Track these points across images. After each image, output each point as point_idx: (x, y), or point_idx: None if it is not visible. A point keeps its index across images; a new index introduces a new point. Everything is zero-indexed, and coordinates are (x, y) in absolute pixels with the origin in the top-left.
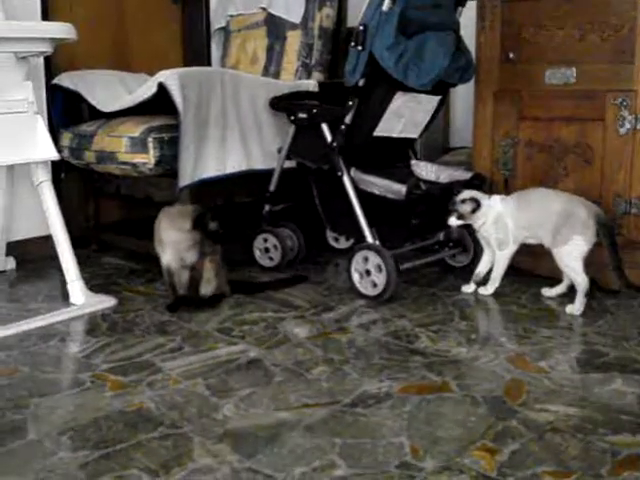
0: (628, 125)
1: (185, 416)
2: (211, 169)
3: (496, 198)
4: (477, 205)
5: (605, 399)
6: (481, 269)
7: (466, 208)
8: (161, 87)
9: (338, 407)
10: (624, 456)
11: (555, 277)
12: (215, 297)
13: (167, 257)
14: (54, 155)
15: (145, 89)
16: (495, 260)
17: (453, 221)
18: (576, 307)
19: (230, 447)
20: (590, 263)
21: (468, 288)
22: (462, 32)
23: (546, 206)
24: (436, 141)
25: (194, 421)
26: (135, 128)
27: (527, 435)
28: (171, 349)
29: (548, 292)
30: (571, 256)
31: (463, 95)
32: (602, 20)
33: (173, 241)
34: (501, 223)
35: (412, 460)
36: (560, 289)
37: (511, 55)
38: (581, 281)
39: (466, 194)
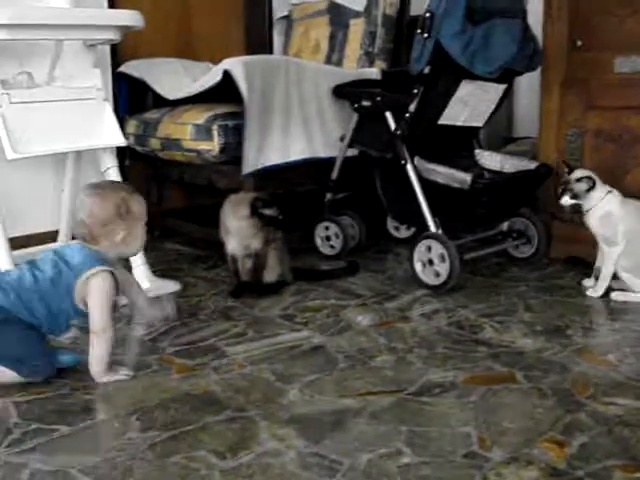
0: None
1: (251, 400)
2: (274, 157)
3: (616, 194)
4: (593, 184)
5: None
6: (599, 263)
7: (582, 187)
8: (226, 75)
9: (403, 395)
10: None
11: None
12: (278, 284)
13: (231, 244)
14: (121, 141)
15: (210, 77)
16: (605, 256)
17: (567, 200)
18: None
19: (296, 432)
20: None
21: (588, 282)
22: (529, 19)
23: None
24: (499, 131)
25: (260, 405)
26: (200, 115)
27: (596, 428)
28: (235, 334)
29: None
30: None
31: (527, 84)
32: None
33: (236, 228)
34: (608, 221)
35: (479, 450)
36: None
37: (579, 43)
38: None
39: (580, 172)
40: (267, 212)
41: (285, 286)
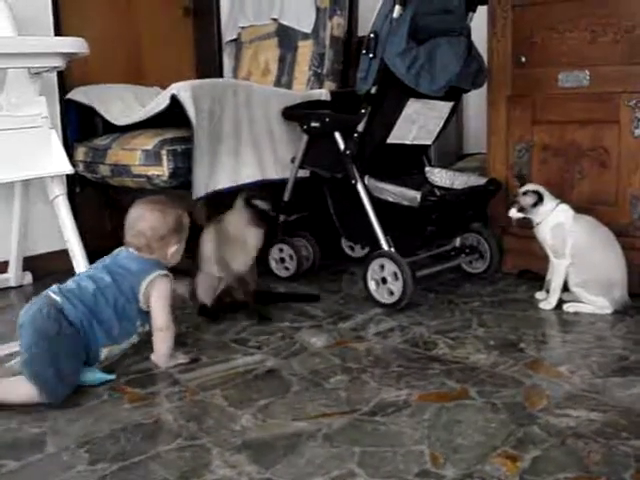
0: None
1: (203, 427)
2: (225, 180)
3: (565, 208)
4: (539, 199)
5: (627, 403)
6: (549, 275)
7: (528, 200)
8: (174, 99)
9: (356, 416)
10: None
11: None
12: (240, 304)
13: (237, 261)
14: (68, 169)
15: (158, 102)
16: (554, 269)
17: (514, 213)
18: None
19: (248, 458)
20: None
21: (540, 295)
22: (473, 37)
23: (605, 261)
24: (450, 147)
25: (212, 432)
26: (149, 141)
27: (549, 441)
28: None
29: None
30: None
31: (476, 101)
32: (614, 22)
33: (241, 240)
34: (558, 232)
35: (432, 468)
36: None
37: (523, 59)
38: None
39: (530, 186)
40: (260, 205)
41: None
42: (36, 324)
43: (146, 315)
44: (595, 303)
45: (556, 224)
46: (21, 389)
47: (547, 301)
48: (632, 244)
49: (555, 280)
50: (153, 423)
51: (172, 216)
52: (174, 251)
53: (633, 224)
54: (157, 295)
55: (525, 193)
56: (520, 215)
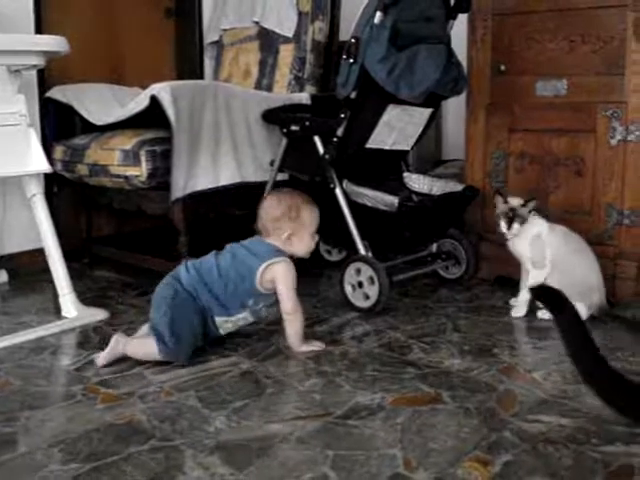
0: (619, 136)
1: (176, 429)
2: (204, 181)
3: (538, 219)
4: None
5: (598, 409)
6: (523, 283)
7: (526, 211)
8: (154, 100)
9: (330, 419)
10: (616, 467)
11: None
12: None
13: None
14: (46, 168)
15: (138, 102)
16: (530, 277)
17: (517, 228)
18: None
19: (221, 459)
20: None
21: (515, 301)
22: (454, 45)
23: (582, 267)
24: (429, 153)
25: (185, 434)
26: (127, 141)
27: (520, 446)
28: (163, 362)
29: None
30: None
31: (455, 108)
32: (591, 32)
33: None
34: (537, 243)
35: (405, 472)
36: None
37: (502, 67)
38: None
39: (515, 200)
40: None
41: None
42: (159, 290)
43: (264, 297)
44: None
45: (534, 236)
46: (145, 347)
47: (517, 308)
48: (606, 252)
49: (528, 289)
50: (126, 424)
51: (287, 202)
52: (287, 237)
53: (608, 233)
54: (281, 281)
55: (524, 205)
56: (519, 227)
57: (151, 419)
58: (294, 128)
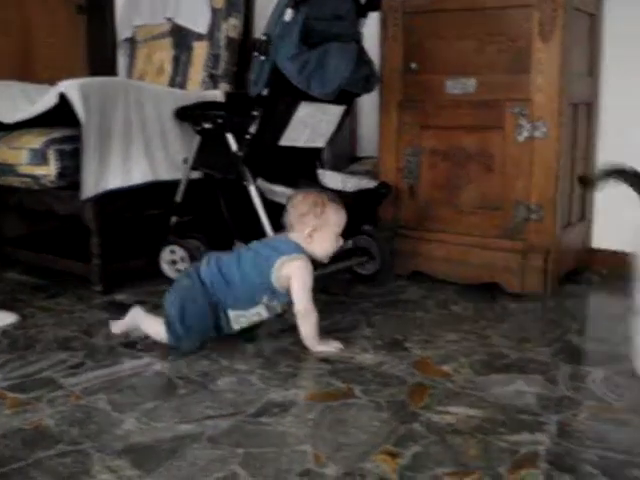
0: (526, 133)
1: (85, 432)
2: (115, 180)
3: None
4: None
5: (505, 399)
6: None
7: None
8: (62, 98)
9: (242, 417)
10: (522, 454)
11: (460, 282)
12: None
13: None
14: None
15: (46, 100)
16: None
17: None
18: None
19: (130, 462)
20: (493, 267)
21: None
22: (366, 43)
23: None
24: (344, 150)
25: (94, 437)
26: (35, 140)
27: (429, 437)
28: (73, 365)
29: None
30: None
31: (370, 105)
32: (499, 31)
33: None
34: None
35: (315, 467)
36: None
37: (413, 65)
38: None
39: None
40: None
41: None
42: (178, 278)
43: (279, 295)
44: None
45: None
46: (157, 327)
47: None
48: (516, 247)
49: None
50: (34, 429)
51: (313, 198)
52: (309, 232)
53: (517, 227)
54: (295, 278)
55: None
56: None
57: (59, 423)
58: (207, 126)
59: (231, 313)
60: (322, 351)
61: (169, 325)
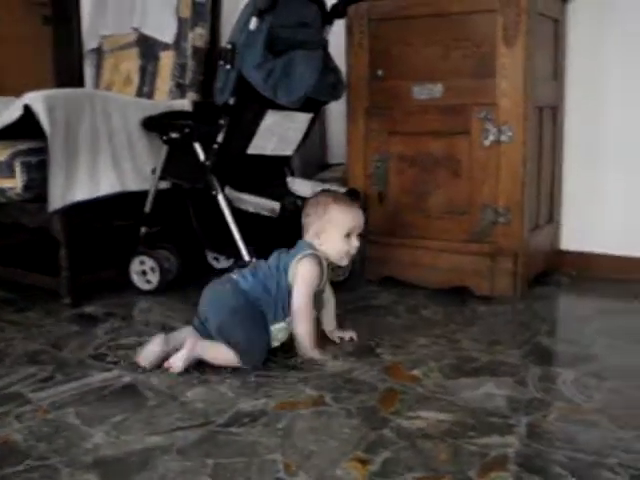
0: (492, 137)
1: (53, 447)
2: (82, 192)
3: None
4: None
5: (475, 403)
6: None
7: None
8: (27, 110)
9: (212, 428)
10: (492, 457)
11: (430, 287)
12: None
13: None
14: None
15: (10, 112)
16: None
17: None
18: None
19: (99, 476)
20: (463, 271)
21: None
22: (332, 50)
23: None
24: (315, 157)
25: (62, 452)
26: (1, 152)
27: (399, 443)
28: (42, 379)
29: None
30: None
31: (339, 112)
32: (464, 37)
33: None
34: None
35: (285, 476)
36: None
37: (379, 72)
38: None
39: None
40: None
41: None
42: (220, 298)
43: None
44: None
45: None
46: (225, 355)
47: None
48: (484, 250)
49: None
50: (2, 444)
51: (318, 200)
52: (314, 234)
53: (485, 231)
54: (300, 273)
55: None
56: None
57: (27, 438)
58: (174, 135)
59: (273, 327)
60: (317, 359)
61: (238, 349)
